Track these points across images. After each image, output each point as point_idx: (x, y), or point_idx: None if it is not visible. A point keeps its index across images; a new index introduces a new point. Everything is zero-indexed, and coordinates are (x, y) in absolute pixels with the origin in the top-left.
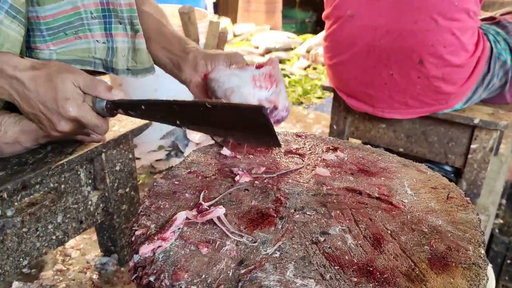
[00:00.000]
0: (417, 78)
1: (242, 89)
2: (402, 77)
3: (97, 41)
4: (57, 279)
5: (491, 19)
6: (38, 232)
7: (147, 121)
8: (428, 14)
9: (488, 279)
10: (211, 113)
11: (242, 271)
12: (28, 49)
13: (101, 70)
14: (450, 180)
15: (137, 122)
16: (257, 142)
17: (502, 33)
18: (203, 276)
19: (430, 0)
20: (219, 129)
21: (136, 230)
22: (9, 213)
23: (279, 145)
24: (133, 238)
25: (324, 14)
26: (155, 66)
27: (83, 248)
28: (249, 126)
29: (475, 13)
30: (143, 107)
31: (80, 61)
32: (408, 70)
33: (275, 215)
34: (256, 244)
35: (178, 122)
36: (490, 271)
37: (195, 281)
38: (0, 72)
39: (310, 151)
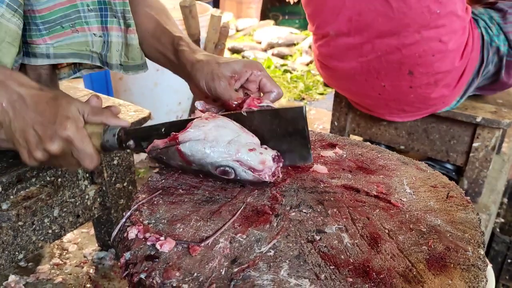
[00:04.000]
0: (409, 88)
1: (242, 139)
2: (395, 88)
3: (94, 34)
4: (54, 273)
5: (489, 4)
6: (34, 226)
7: (145, 115)
8: (411, 29)
9: (487, 280)
10: (245, 123)
11: (235, 270)
12: (24, 43)
13: (98, 64)
14: (451, 179)
15: (136, 116)
16: (288, 155)
17: (496, 18)
18: (195, 274)
19: (409, 16)
20: None
21: (128, 226)
22: (4, 206)
23: (310, 159)
24: (125, 234)
25: (309, 28)
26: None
27: (81, 242)
28: (285, 135)
29: (463, 9)
30: (163, 130)
31: (78, 54)
32: (399, 82)
33: (271, 213)
34: (249, 241)
35: None
36: (490, 271)
37: (186, 279)
38: (3, 86)
39: None
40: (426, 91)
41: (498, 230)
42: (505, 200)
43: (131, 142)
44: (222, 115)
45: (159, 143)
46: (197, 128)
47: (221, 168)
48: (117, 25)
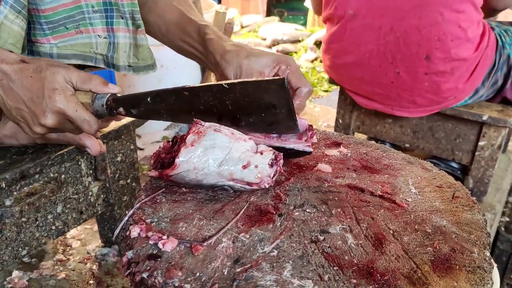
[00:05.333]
0: (424, 74)
1: (234, 153)
2: (409, 75)
3: (99, 36)
4: (57, 269)
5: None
6: (37, 222)
7: None
8: (433, 8)
9: (493, 283)
10: (228, 95)
11: (238, 270)
12: (29, 42)
13: (102, 66)
14: (457, 177)
15: None
16: (274, 127)
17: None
18: (198, 274)
19: None
20: (235, 115)
21: (131, 224)
22: (7, 202)
23: (296, 129)
24: (127, 233)
25: (324, 16)
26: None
27: (84, 239)
28: (267, 107)
29: (479, 4)
30: (148, 99)
31: (81, 56)
32: (415, 67)
33: (274, 212)
34: (252, 241)
35: (189, 114)
36: (495, 272)
37: (189, 279)
38: None
39: (313, 146)
40: (441, 79)
41: (503, 229)
42: (510, 199)
43: (121, 109)
44: (202, 86)
45: (151, 174)
46: (184, 162)
47: (219, 187)
48: (125, 26)
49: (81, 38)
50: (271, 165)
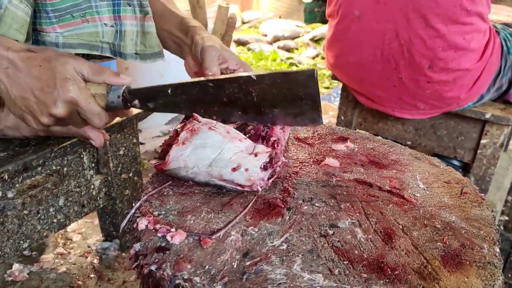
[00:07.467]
0: (426, 83)
1: (225, 154)
2: (411, 81)
3: (105, 24)
4: (58, 262)
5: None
6: (39, 215)
7: None
8: (439, 21)
9: (504, 278)
10: (254, 87)
11: (247, 263)
12: (34, 31)
13: (108, 55)
14: None
15: None
16: (298, 119)
17: None
18: (207, 267)
19: (440, 7)
20: (259, 107)
21: (138, 216)
22: (9, 194)
23: (320, 121)
24: (134, 225)
25: (328, 11)
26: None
27: (85, 232)
28: (294, 99)
29: (487, 14)
30: (169, 91)
31: (87, 45)
32: (417, 75)
33: (283, 206)
34: (262, 235)
35: (210, 106)
36: None
37: (198, 272)
38: None
39: (320, 141)
40: (444, 88)
41: (502, 228)
42: (510, 198)
43: (136, 102)
44: (228, 78)
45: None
46: (175, 159)
47: (211, 185)
48: (132, 13)
49: (87, 27)
50: (265, 169)
